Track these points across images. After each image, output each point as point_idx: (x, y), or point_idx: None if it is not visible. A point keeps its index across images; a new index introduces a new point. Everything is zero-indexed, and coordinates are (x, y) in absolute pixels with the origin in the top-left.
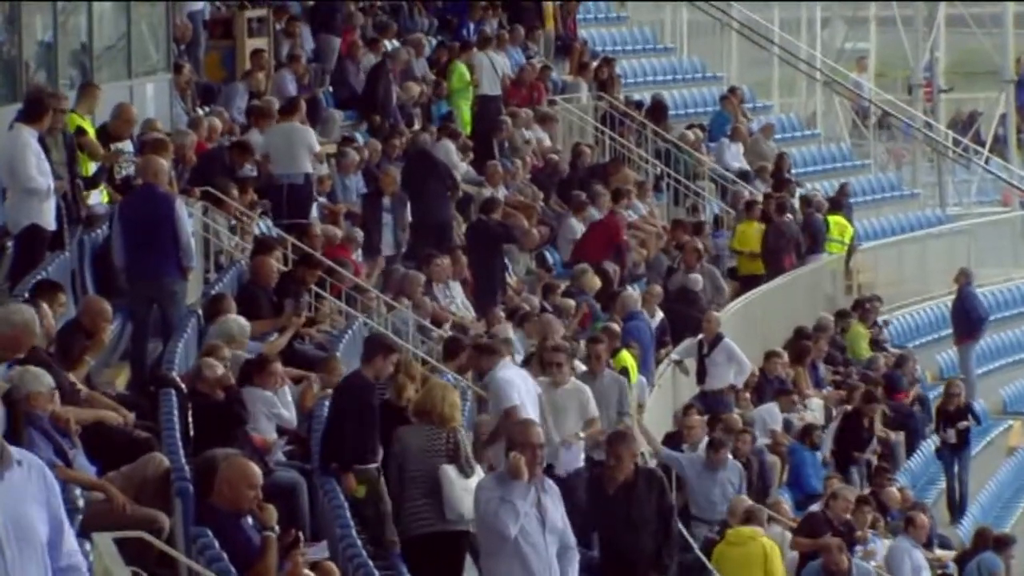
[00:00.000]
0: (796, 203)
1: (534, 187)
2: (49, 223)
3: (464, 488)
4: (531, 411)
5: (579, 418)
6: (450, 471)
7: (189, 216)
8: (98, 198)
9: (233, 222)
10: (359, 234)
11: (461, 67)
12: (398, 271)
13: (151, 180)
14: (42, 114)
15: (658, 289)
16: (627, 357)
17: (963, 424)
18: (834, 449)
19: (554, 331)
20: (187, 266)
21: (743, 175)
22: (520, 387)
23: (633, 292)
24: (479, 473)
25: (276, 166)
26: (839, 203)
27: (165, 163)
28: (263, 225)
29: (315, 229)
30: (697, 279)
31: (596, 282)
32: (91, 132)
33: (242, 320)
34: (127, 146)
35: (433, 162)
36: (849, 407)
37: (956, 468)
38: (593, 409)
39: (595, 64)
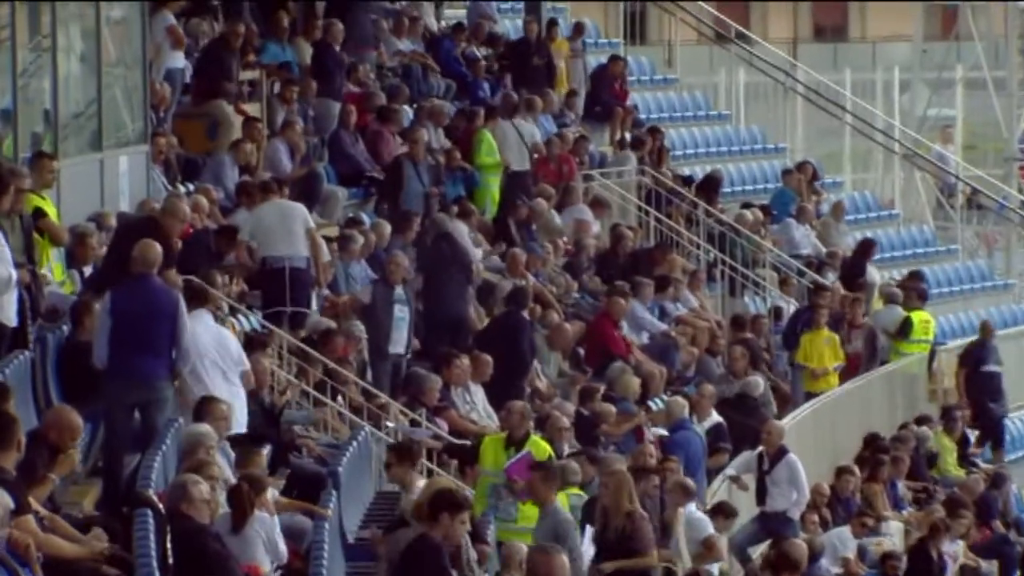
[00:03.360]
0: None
1: (567, 275)
2: (9, 319)
3: None
4: (210, 366)
5: None
6: None
7: None
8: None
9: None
10: (359, 329)
11: (488, 137)
12: (413, 373)
13: (146, 270)
14: (3, 193)
15: (711, 389)
16: (543, 444)
17: None
18: None
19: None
20: (180, 369)
21: (812, 264)
22: (202, 340)
23: (680, 399)
24: None
25: (271, 248)
26: (924, 295)
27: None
28: (252, 320)
29: (339, 340)
30: (757, 383)
31: (636, 385)
32: (52, 213)
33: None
34: None
35: (457, 247)
36: (917, 535)
37: None
38: None
39: (640, 134)
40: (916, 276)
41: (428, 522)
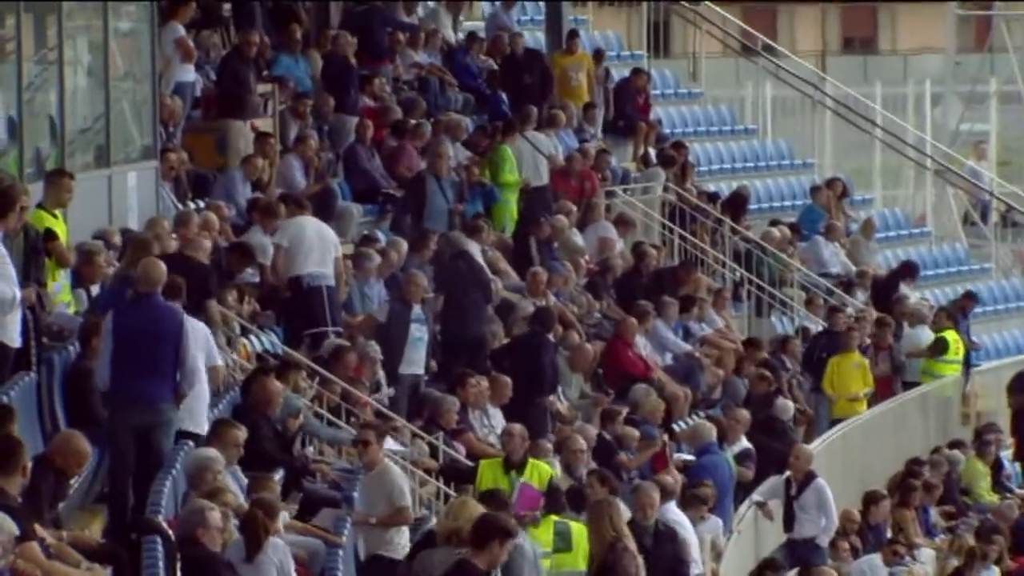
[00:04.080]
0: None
1: (589, 295)
2: (12, 339)
3: None
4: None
5: (386, 505)
6: None
7: None
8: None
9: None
10: (375, 350)
11: (510, 154)
12: (429, 395)
13: (151, 290)
14: (8, 211)
15: (744, 415)
16: (543, 466)
17: None
18: None
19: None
20: (184, 392)
21: (842, 283)
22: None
23: (707, 423)
24: None
25: (308, 265)
26: (955, 315)
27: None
28: (264, 340)
29: (351, 357)
30: (787, 406)
31: (661, 407)
32: (63, 234)
33: None
34: None
35: (475, 266)
36: (951, 563)
37: None
38: (400, 498)
39: (664, 148)
40: (970, 297)
41: (473, 548)
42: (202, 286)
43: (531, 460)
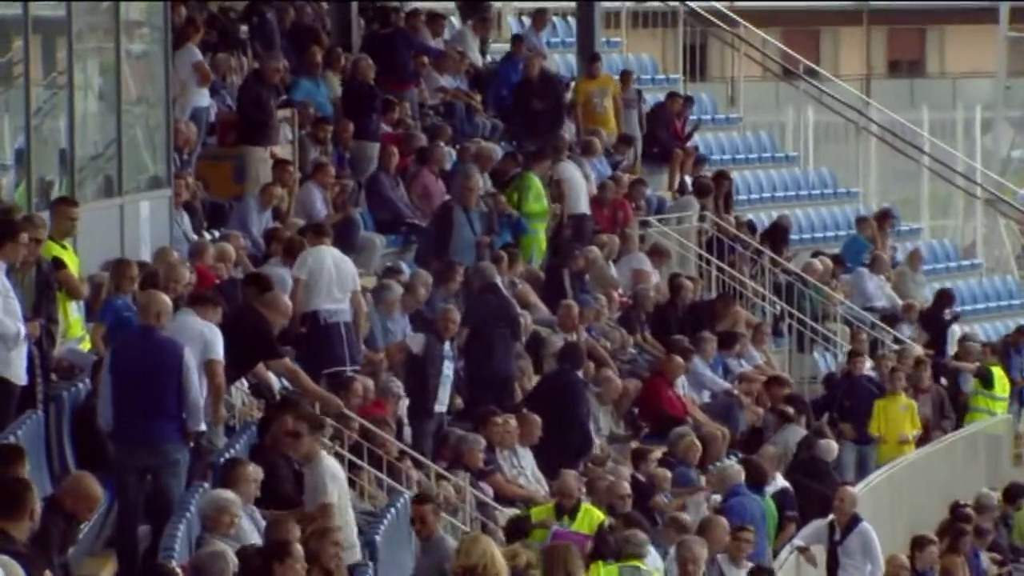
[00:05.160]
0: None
1: (622, 330)
2: (18, 376)
3: None
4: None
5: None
6: None
7: None
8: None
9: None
10: (397, 386)
11: (536, 183)
12: (453, 434)
13: (151, 322)
14: (11, 241)
15: (770, 450)
16: (595, 511)
17: None
18: None
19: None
20: (192, 430)
21: (886, 318)
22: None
23: (734, 463)
24: None
25: (327, 299)
26: (1004, 351)
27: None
28: (281, 378)
29: (357, 385)
30: (830, 447)
31: (697, 447)
32: (72, 264)
33: None
34: None
35: (504, 300)
36: None
37: None
38: (321, 493)
39: (700, 177)
40: (1023, 332)
41: None
42: (254, 350)
43: (584, 505)
